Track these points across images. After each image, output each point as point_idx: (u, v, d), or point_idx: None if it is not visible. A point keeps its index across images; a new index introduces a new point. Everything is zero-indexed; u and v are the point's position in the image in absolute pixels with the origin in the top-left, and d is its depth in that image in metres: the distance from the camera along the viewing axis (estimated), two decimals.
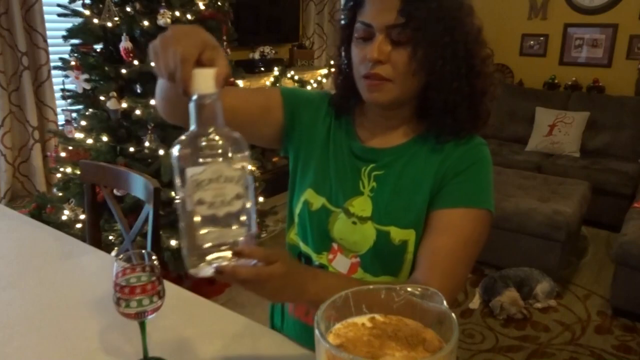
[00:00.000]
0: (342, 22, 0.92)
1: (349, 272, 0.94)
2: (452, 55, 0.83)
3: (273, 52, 3.91)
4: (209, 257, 0.64)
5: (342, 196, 0.95)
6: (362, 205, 0.93)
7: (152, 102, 2.30)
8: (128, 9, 2.30)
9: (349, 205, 0.94)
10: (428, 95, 0.88)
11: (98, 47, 2.42)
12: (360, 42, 0.86)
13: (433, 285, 0.66)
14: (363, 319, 0.56)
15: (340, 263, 0.95)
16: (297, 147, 1.02)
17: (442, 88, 0.86)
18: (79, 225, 2.37)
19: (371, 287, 0.59)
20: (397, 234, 0.90)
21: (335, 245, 0.96)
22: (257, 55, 3.80)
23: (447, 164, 0.90)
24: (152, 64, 0.68)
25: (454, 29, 0.83)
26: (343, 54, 0.94)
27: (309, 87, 3.99)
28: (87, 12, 2.31)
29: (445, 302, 0.55)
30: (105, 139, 2.36)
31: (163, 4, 2.28)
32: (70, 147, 2.38)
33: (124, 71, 2.29)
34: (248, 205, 0.64)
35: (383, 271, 0.93)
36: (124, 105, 2.30)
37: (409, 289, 0.58)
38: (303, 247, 1.01)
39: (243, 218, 0.64)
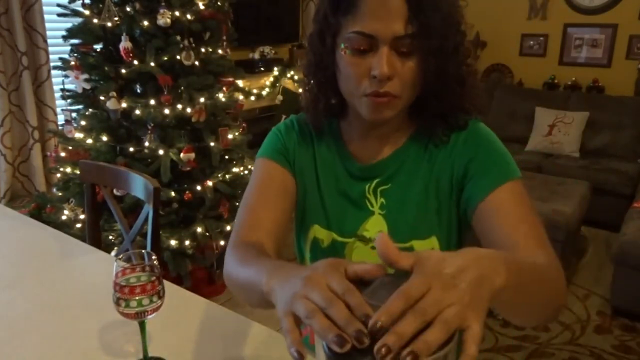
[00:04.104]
0: (320, 28, 0.81)
1: None
2: (456, 58, 0.78)
3: (273, 52, 3.91)
4: None
5: (351, 223, 0.89)
6: (376, 226, 0.88)
7: (152, 102, 2.31)
8: (128, 9, 2.30)
9: (362, 231, 0.88)
10: (426, 102, 0.83)
11: (98, 47, 2.42)
12: (356, 55, 0.76)
13: (541, 258, 0.70)
14: None
15: None
16: (297, 186, 0.94)
17: (444, 94, 0.80)
18: (79, 225, 2.37)
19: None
20: (421, 246, 0.85)
21: None
22: (257, 55, 3.80)
23: (454, 157, 0.85)
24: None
25: (458, 31, 0.78)
26: (316, 65, 0.84)
27: None
28: (87, 12, 2.31)
29: None
30: (105, 139, 2.36)
31: (163, 4, 2.28)
32: (70, 147, 2.38)
33: (123, 71, 2.29)
34: None
35: None
36: (124, 105, 2.30)
37: None
38: None
39: None
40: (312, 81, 0.88)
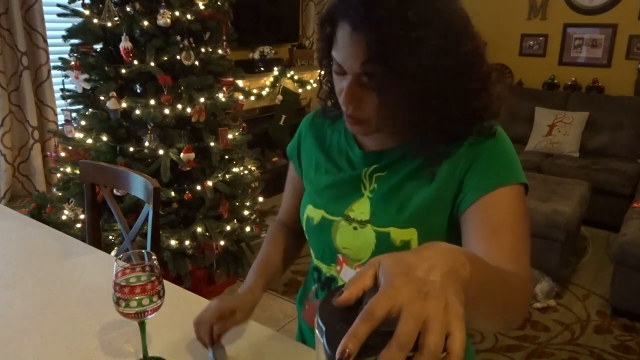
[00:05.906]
0: (321, 44, 0.86)
1: None
2: (438, 88, 0.75)
3: (273, 52, 3.91)
4: None
5: (342, 203, 0.92)
6: (361, 208, 0.90)
7: (152, 102, 2.31)
8: (128, 9, 2.30)
9: (349, 211, 0.91)
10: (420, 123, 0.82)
11: (98, 47, 2.42)
12: (337, 73, 0.81)
13: (508, 266, 0.69)
14: None
15: (347, 274, 0.93)
16: (302, 175, 1.05)
17: (430, 120, 0.79)
18: (78, 225, 2.37)
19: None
20: (398, 234, 0.85)
21: (340, 256, 0.93)
22: (256, 55, 3.80)
23: (459, 155, 0.82)
24: None
25: (438, 74, 0.73)
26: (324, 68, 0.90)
27: (308, 87, 4.00)
28: (87, 12, 2.31)
29: None
30: (105, 138, 2.36)
31: (163, 4, 2.28)
32: (70, 147, 2.39)
33: (123, 71, 2.29)
34: None
35: None
36: (124, 105, 2.30)
37: None
38: (315, 260, 1.00)
39: None
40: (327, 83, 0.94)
